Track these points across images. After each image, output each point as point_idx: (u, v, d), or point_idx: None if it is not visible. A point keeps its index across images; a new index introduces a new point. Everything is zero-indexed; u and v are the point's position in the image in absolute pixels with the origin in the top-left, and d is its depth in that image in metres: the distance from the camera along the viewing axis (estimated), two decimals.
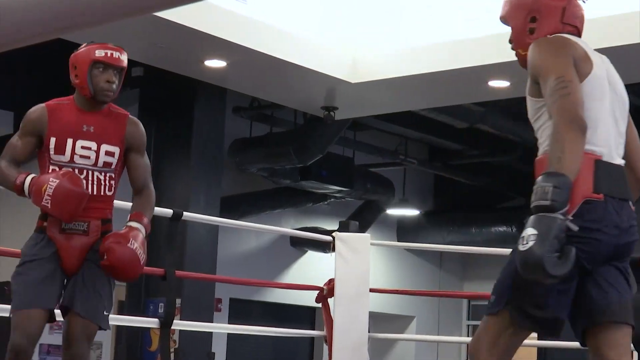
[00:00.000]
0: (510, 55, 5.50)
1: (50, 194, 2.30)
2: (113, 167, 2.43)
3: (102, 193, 2.41)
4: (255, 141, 7.13)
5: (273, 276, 7.90)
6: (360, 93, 6.12)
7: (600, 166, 1.91)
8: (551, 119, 1.91)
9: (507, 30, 5.86)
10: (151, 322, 4.69)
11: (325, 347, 4.58)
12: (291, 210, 7.94)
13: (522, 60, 2.09)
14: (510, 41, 2.14)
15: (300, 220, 8.10)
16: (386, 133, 7.73)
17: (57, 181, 2.32)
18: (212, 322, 6.47)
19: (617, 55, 5.03)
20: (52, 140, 2.44)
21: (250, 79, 6.18)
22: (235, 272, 6.82)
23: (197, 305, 6.30)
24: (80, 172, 2.39)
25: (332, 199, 7.72)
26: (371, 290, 4.63)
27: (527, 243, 1.77)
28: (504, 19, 2.18)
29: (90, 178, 2.41)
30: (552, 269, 1.77)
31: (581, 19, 2.11)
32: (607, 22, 4.97)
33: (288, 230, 6.88)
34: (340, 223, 5.57)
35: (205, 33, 5.21)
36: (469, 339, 9.84)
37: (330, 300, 4.50)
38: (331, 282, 4.48)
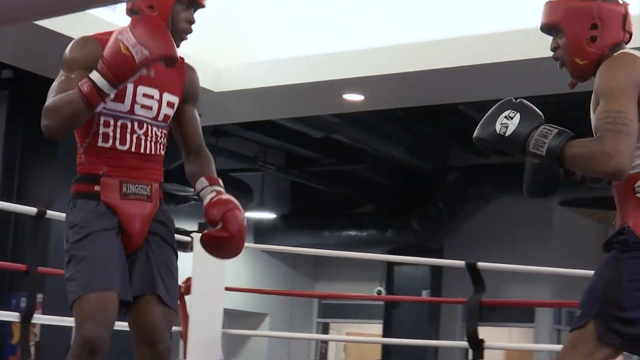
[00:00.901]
0: (365, 71, 5.69)
1: (134, 41, 1.77)
2: (169, 121, 1.99)
3: (158, 152, 1.97)
4: None
5: None
6: (222, 102, 6.20)
7: None
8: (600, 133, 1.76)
9: (361, 47, 5.89)
10: (12, 316, 4.54)
11: (181, 343, 4.61)
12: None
13: (580, 70, 1.88)
14: (554, 49, 1.91)
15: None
16: (247, 140, 7.83)
17: (130, 28, 1.81)
18: (72, 317, 6.69)
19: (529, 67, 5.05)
20: None
21: None
22: None
23: (59, 300, 6.45)
24: (140, 126, 1.93)
25: (193, 202, 7.61)
26: (226, 288, 4.71)
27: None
28: (553, 26, 1.93)
29: (150, 134, 1.96)
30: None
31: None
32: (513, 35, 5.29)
33: None
34: (200, 224, 5.82)
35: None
36: (318, 336, 9.81)
37: (187, 298, 4.48)
38: (188, 280, 4.43)
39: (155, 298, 1.87)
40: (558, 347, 4.55)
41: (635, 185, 1.83)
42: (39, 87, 6.30)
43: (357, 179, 8.81)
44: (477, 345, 3.53)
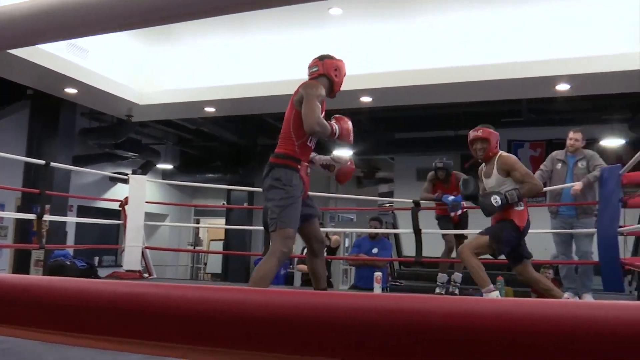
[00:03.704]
0: (217, 96, 6.94)
1: (349, 128, 2.96)
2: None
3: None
4: (94, 130, 8.90)
5: (101, 194, 9.83)
6: (144, 110, 7.55)
7: None
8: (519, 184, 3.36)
9: (214, 84, 7.35)
10: (32, 216, 5.32)
11: (122, 230, 5.86)
12: (110, 163, 9.97)
13: (487, 158, 3.56)
14: (480, 148, 3.53)
15: (116, 168, 9.82)
16: (158, 129, 9.78)
17: (348, 125, 2.93)
18: (66, 216, 7.69)
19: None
20: (323, 112, 2.91)
21: (90, 101, 7.38)
22: (84, 192, 8.96)
23: (58, 207, 7.27)
24: None
25: (130, 159, 9.92)
26: (146, 202, 5.95)
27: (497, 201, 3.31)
28: (483, 138, 3.53)
29: None
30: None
31: None
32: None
33: (108, 173, 7.61)
34: (133, 170, 6.65)
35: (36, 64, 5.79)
36: (195, 225, 12.50)
37: (126, 207, 5.73)
38: (126, 198, 5.79)
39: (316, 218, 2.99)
40: None
41: (515, 204, 3.54)
42: (49, 100, 7.27)
43: (211, 149, 11.05)
44: None
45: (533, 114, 8.33)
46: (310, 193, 3.09)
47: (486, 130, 3.54)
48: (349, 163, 3.06)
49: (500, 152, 3.57)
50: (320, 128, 2.80)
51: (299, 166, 2.91)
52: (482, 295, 4.91)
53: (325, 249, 3.79)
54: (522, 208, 3.52)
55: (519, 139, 9.61)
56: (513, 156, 3.55)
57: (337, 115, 2.98)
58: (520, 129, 9.10)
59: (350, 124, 2.99)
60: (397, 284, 8.49)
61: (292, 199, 2.81)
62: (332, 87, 3.08)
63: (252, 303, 0.82)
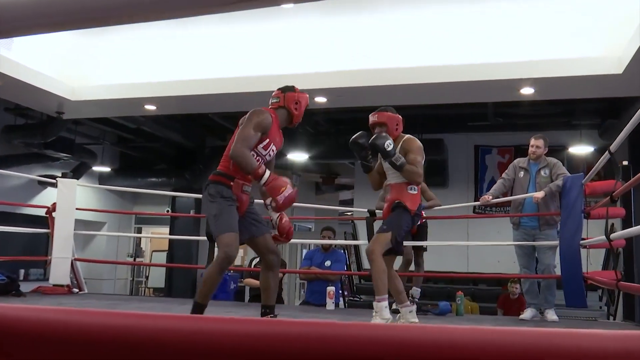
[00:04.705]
0: (156, 93, 7.14)
1: (286, 195, 3.04)
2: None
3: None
4: (20, 127, 8.83)
5: (29, 199, 9.51)
6: (77, 106, 7.66)
7: None
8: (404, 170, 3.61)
9: (154, 79, 7.21)
10: None
11: (50, 240, 5.74)
12: (39, 164, 9.85)
13: (395, 137, 3.82)
14: (380, 132, 3.73)
15: (46, 170, 9.83)
16: (94, 127, 9.97)
17: (292, 190, 3.08)
18: None
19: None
20: (266, 140, 3.24)
21: (16, 96, 7.53)
22: (8, 196, 8.60)
23: None
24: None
25: (62, 161, 9.88)
26: (77, 208, 5.95)
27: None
28: (381, 123, 3.77)
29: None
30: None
31: None
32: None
33: (34, 176, 7.54)
34: (62, 173, 7.73)
35: None
36: (136, 235, 12.31)
37: (54, 214, 5.74)
38: (54, 204, 5.78)
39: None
40: None
41: (408, 187, 3.82)
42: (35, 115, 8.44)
43: (154, 150, 11.07)
44: None
45: (500, 117, 8.61)
46: (262, 201, 3.45)
47: (383, 114, 3.82)
48: (289, 190, 3.16)
49: (408, 135, 3.89)
50: (240, 158, 3.08)
51: (232, 183, 3.26)
52: (436, 311, 5.16)
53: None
54: (415, 192, 3.82)
55: (487, 144, 9.95)
56: (418, 141, 3.85)
57: (284, 179, 3.17)
58: (487, 133, 9.46)
59: (292, 195, 3.13)
60: (355, 299, 8.76)
61: (224, 208, 3.18)
62: (291, 120, 3.47)
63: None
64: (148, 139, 10.51)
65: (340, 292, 7.53)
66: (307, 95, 3.55)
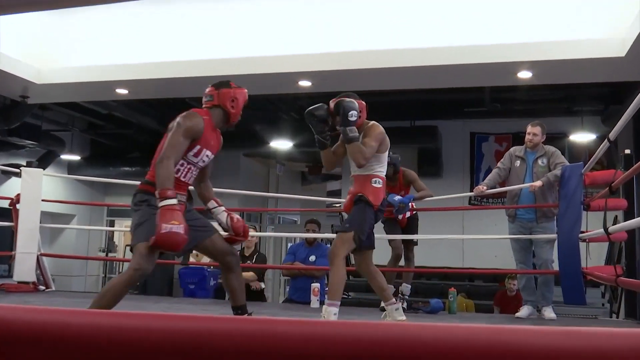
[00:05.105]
0: (130, 76, 6.95)
1: (172, 230, 2.78)
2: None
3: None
4: None
5: None
6: (42, 90, 7.52)
7: None
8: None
9: (126, 61, 7.02)
10: None
11: (14, 234, 5.77)
12: (2, 153, 9.82)
13: (359, 125, 3.80)
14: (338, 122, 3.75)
15: (10, 159, 9.66)
16: (62, 113, 9.92)
17: (181, 234, 2.81)
18: None
19: None
20: (197, 147, 3.15)
21: None
22: None
23: None
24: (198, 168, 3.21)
25: (28, 148, 9.77)
26: (43, 200, 5.89)
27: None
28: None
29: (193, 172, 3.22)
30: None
31: None
32: None
33: None
34: (27, 162, 6.66)
35: None
36: (108, 228, 12.63)
37: (17, 205, 5.76)
38: (18, 195, 5.80)
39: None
40: None
41: (372, 180, 3.81)
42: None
43: (127, 137, 10.93)
44: None
45: (498, 103, 8.61)
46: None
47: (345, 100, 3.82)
48: (178, 229, 2.88)
49: (373, 122, 3.89)
50: (160, 170, 2.96)
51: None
52: (427, 308, 5.15)
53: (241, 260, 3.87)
54: (379, 186, 3.83)
55: (484, 131, 9.97)
56: (380, 128, 3.84)
57: (183, 225, 2.91)
58: (484, 120, 9.42)
59: (176, 237, 2.85)
60: (343, 296, 8.71)
61: (148, 217, 3.01)
62: (228, 119, 3.32)
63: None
64: (120, 126, 10.45)
65: (325, 289, 7.43)
66: (246, 91, 3.42)
